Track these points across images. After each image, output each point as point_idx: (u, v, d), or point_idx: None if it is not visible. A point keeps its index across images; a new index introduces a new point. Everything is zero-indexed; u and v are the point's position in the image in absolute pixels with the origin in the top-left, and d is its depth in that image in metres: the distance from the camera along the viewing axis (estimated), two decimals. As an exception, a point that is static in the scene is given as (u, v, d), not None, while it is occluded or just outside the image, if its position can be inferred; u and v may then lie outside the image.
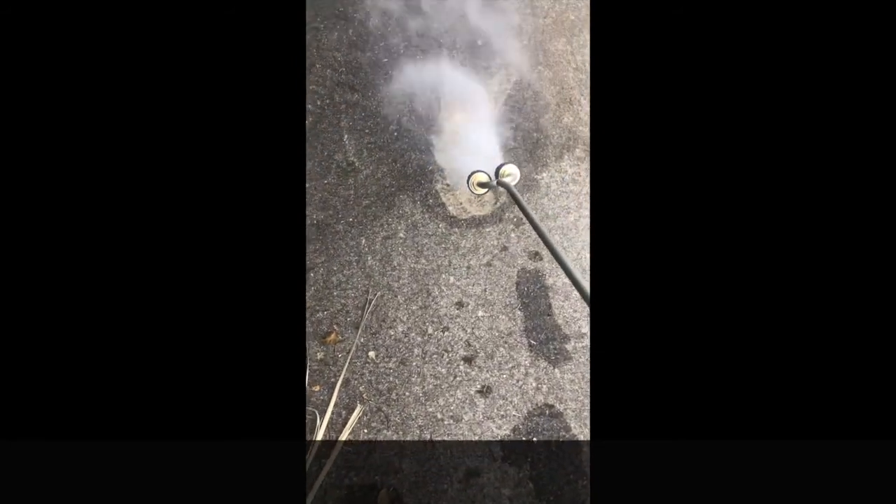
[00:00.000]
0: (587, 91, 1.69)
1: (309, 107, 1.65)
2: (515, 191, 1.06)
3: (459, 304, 1.39)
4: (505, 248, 1.46)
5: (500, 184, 1.21)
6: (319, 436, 1.23)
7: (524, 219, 0.99)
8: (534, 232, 1.44)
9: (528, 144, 1.59)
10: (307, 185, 1.52)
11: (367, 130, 1.59)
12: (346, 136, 1.58)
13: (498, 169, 1.34)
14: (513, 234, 1.48)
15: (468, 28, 1.77)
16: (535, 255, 1.45)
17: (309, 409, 1.27)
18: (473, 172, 1.36)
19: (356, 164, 1.54)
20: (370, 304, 1.37)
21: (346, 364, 1.31)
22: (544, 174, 1.55)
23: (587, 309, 1.40)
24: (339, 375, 1.29)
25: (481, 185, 1.36)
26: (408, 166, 1.55)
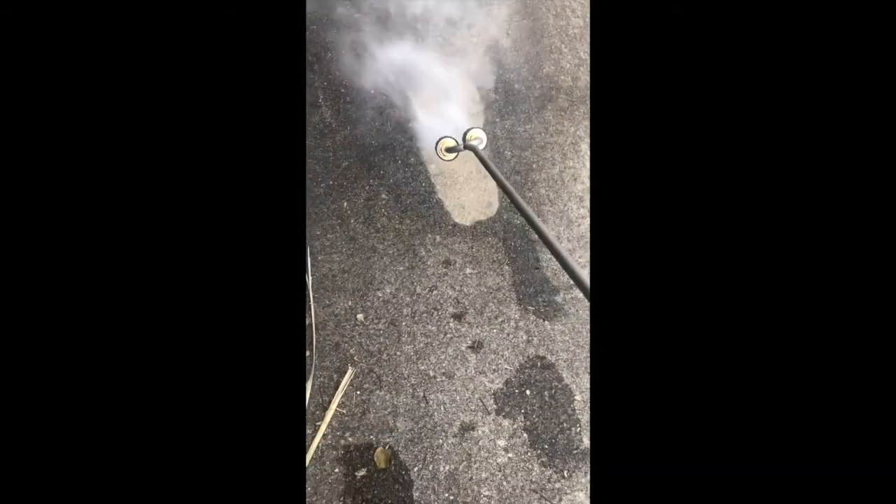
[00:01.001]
0: (568, 39, 1.63)
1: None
2: (483, 154, 1.01)
3: (447, 263, 1.37)
4: (490, 204, 1.44)
5: (467, 147, 1.17)
6: (306, 399, 1.23)
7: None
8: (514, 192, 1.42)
9: (509, 97, 1.55)
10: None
11: (342, 89, 1.53)
12: (321, 97, 1.52)
13: (465, 134, 1.29)
14: (497, 191, 1.45)
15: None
16: (521, 210, 1.43)
17: (300, 374, 1.26)
18: (441, 138, 1.31)
19: (333, 125, 1.49)
20: (349, 267, 1.35)
21: (314, 330, 1.29)
22: (527, 126, 1.51)
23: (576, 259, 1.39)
24: (314, 340, 1.28)
25: (449, 150, 1.31)
26: (386, 124, 1.50)
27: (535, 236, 1.41)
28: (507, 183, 0.81)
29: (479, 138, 1.30)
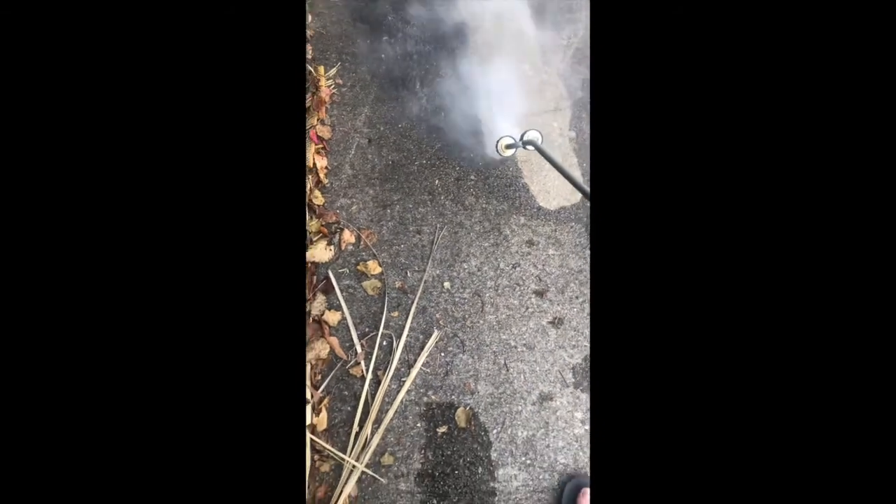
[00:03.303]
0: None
1: (382, 56, 1.71)
2: (541, 146, 1.15)
3: (530, 243, 1.44)
4: (574, 191, 1.50)
5: (525, 143, 1.31)
6: (396, 357, 1.29)
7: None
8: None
9: (596, 95, 1.62)
10: (382, 128, 1.58)
11: (438, 78, 1.64)
12: (418, 85, 1.64)
13: (522, 135, 1.37)
14: (581, 179, 1.51)
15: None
16: (605, 199, 1.48)
17: (386, 332, 1.33)
18: (501, 138, 1.43)
19: (429, 111, 1.59)
20: (437, 238, 1.43)
21: (419, 293, 1.36)
22: (613, 123, 1.58)
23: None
24: (413, 303, 1.35)
25: (508, 147, 1.43)
26: (480, 113, 1.60)
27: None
28: (566, 169, 0.88)
29: (535, 139, 1.37)
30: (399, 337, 1.32)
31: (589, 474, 1.20)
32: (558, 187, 1.50)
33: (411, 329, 1.33)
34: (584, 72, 1.66)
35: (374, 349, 1.31)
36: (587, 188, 0.69)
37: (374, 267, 1.40)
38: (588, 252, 1.42)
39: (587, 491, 1.13)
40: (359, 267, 1.39)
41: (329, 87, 1.64)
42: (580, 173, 1.52)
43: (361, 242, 1.43)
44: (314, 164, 1.49)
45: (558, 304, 1.36)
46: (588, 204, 1.48)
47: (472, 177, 1.52)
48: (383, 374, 1.28)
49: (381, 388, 1.26)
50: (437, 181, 1.51)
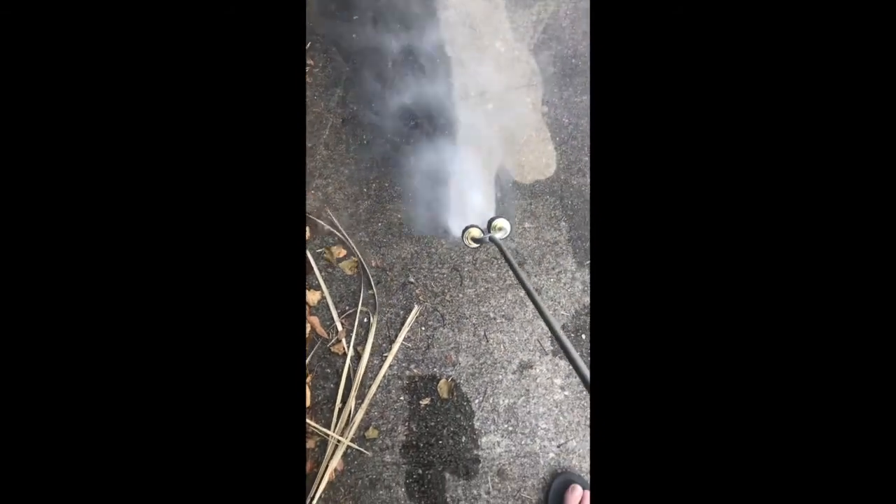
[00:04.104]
0: (623, 20, 1.73)
1: (354, 35, 1.69)
2: (505, 249, 1.06)
3: (507, 217, 1.45)
4: (548, 165, 1.52)
5: (490, 240, 1.20)
6: (372, 332, 1.30)
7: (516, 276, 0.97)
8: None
9: (566, 69, 1.64)
10: (356, 108, 1.57)
11: (410, 57, 1.64)
12: (390, 63, 1.63)
13: (490, 222, 1.28)
14: (554, 153, 1.53)
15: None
16: (579, 172, 1.50)
17: (365, 309, 1.34)
18: (467, 227, 1.31)
19: (402, 88, 1.59)
20: (415, 215, 1.43)
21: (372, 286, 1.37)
22: (584, 97, 1.60)
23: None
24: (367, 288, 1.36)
25: (475, 240, 1.31)
26: (452, 92, 1.60)
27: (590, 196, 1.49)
28: (527, 282, 0.79)
29: (504, 228, 1.29)
30: (378, 314, 1.33)
31: (578, 470, 1.23)
32: (532, 162, 1.52)
33: (391, 305, 1.34)
34: (555, 47, 1.67)
35: (354, 327, 1.31)
36: (556, 327, 0.63)
37: (352, 246, 1.40)
38: (563, 224, 1.44)
39: (576, 487, 1.15)
40: (336, 247, 1.39)
41: (300, 67, 1.63)
42: (552, 147, 1.54)
43: (339, 222, 1.43)
44: (287, 145, 1.48)
45: (535, 276, 1.38)
46: (562, 186, 1.50)
47: (448, 153, 1.53)
48: (364, 350, 1.29)
49: (361, 363, 1.27)
50: (412, 159, 1.51)
